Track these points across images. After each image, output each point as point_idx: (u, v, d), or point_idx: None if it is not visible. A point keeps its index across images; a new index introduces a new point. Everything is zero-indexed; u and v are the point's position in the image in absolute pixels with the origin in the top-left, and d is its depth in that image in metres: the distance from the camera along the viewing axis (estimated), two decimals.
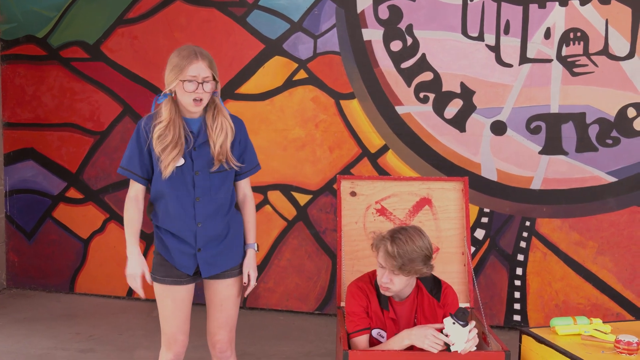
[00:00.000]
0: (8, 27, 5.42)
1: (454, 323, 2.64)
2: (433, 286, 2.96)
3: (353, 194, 3.50)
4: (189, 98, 2.73)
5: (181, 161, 2.78)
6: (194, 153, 2.80)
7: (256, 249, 3.01)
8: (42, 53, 5.36)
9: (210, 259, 2.87)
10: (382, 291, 2.85)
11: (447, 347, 2.66)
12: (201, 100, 2.75)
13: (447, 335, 2.65)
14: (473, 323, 2.67)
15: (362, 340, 2.86)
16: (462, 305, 3.31)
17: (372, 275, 2.96)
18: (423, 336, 2.67)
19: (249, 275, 2.95)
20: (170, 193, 2.81)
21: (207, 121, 2.82)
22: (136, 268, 2.80)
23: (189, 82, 2.71)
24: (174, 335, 2.90)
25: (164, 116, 2.77)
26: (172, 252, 2.85)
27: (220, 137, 2.80)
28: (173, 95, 2.79)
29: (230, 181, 2.92)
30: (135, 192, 2.86)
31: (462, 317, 2.63)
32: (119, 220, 5.31)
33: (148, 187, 2.90)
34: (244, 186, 3.00)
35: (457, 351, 2.64)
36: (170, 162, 2.75)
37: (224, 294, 2.94)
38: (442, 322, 2.70)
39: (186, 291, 2.89)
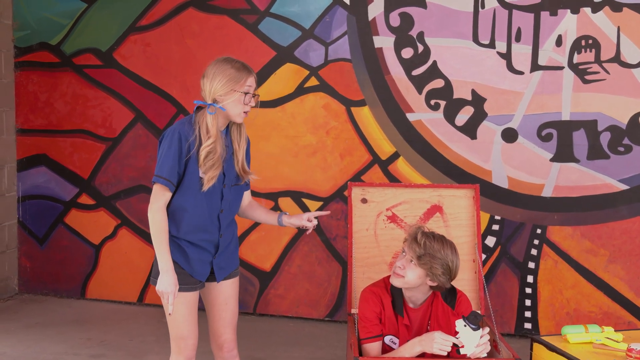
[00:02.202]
0: (22, 34, 5.47)
1: (465, 325, 2.63)
2: (448, 294, 2.95)
3: (364, 200, 3.50)
4: (240, 110, 2.78)
5: None
6: (225, 166, 2.83)
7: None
8: (55, 60, 5.41)
9: (222, 264, 2.95)
10: (392, 278, 2.85)
11: (456, 348, 2.66)
12: (247, 113, 2.81)
13: (457, 338, 2.65)
14: (487, 329, 2.67)
15: (374, 347, 2.85)
16: None
17: (387, 281, 2.95)
18: (431, 340, 2.67)
19: (308, 219, 2.99)
20: (202, 205, 2.82)
21: (232, 135, 2.88)
22: (172, 285, 2.74)
23: (248, 95, 2.77)
24: (185, 339, 2.92)
25: (212, 132, 2.75)
26: (191, 262, 2.86)
27: (243, 151, 2.89)
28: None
29: (242, 193, 3.02)
30: (165, 201, 2.78)
31: (474, 320, 2.62)
32: (130, 226, 5.34)
33: None
34: (249, 194, 3.10)
35: (466, 354, 2.64)
36: (213, 176, 2.76)
37: (228, 292, 3.00)
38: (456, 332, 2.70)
39: (196, 296, 2.94)
